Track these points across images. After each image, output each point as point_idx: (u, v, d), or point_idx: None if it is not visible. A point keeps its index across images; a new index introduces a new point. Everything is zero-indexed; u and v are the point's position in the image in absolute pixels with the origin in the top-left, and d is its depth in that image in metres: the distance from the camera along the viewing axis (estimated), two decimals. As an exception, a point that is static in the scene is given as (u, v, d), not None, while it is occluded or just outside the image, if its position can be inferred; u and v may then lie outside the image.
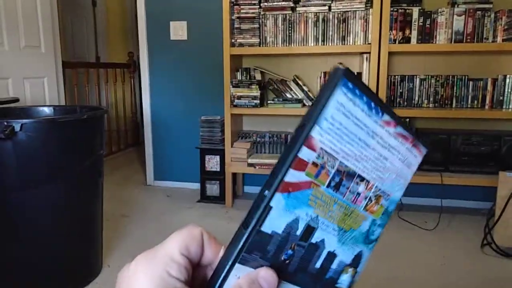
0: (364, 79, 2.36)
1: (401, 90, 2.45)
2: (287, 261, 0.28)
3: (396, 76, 2.46)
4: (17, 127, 1.36)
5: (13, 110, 1.82)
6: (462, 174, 2.29)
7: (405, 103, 2.45)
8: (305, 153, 0.27)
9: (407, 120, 2.33)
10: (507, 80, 2.32)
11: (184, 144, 2.99)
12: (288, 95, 2.59)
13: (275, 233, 0.27)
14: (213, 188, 2.75)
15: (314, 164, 0.27)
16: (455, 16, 2.25)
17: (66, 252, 1.58)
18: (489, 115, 2.30)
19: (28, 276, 1.52)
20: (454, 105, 2.42)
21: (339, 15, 2.34)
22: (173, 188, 3.05)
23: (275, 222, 0.27)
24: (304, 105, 2.54)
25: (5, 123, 1.34)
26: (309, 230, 0.28)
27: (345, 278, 0.31)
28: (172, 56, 2.93)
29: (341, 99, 0.27)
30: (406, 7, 2.31)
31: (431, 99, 2.43)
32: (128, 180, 3.30)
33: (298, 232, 0.28)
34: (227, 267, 0.26)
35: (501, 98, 2.35)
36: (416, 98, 2.44)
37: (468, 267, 1.84)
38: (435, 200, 2.59)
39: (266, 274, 0.27)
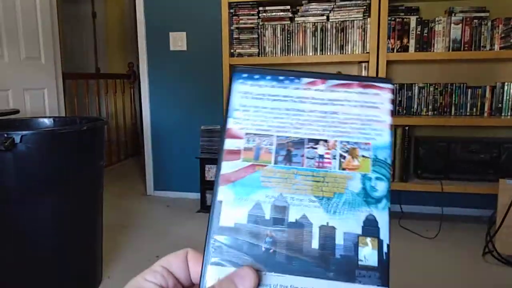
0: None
1: (400, 99, 2.46)
2: (271, 250, 0.26)
3: (395, 85, 2.47)
4: (17, 139, 1.36)
5: (13, 122, 1.83)
6: (462, 182, 2.29)
7: (404, 111, 2.46)
8: (230, 144, 0.29)
9: (406, 128, 2.33)
10: (505, 88, 2.33)
11: (184, 154, 2.99)
12: (288, 104, 2.60)
13: (240, 224, 0.27)
14: (213, 198, 2.74)
15: (247, 149, 0.28)
16: (452, 25, 2.27)
17: (66, 263, 1.57)
18: (488, 123, 2.31)
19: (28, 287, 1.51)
20: (453, 112, 2.42)
21: (337, 24, 2.36)
22: (173, 198, 3.04)
23: (233, 214, 0.27)
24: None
25: (5, 135, 1.34)
26: (280, 210, 0.27)
27: (368, 253, 0.26)
28: (171, 67, 2.94)
29: (242, 88, 0.30)
30: (403, 16, 2.33)
31: (430, 107, 2.43)
32: (128, 190, 3.29)
33: (268, 217, 0.27)
34: (202, 271, 0.26)
35: (499, 105, 2.36)
36: (415, 106, 2.45)
37: (469, 275, 1.83)
38: (435, 208, 2.59)
39: (241, 272, 0.26)
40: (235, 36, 2.51)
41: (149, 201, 3.01)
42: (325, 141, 0.28)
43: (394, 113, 2.46)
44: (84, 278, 1.67)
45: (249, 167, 0.28)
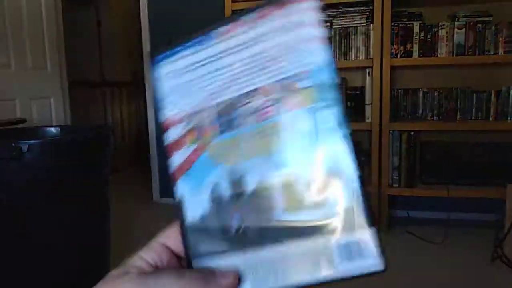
0: (368, 93, 2.37)
1: (404, 104, 2.46)
2: (241, 230, 0.24)
3: (399, 90, 2.47)
4: (24, 148, 1.37)
5: (20, 131, 1.85)
6: (468, 187, 2.27)
7: (409, 116, 2.46)
8: (171, 135, 0.26)
9: (411, 133, 2.33)
10: (511, 92, 2.32)
11: (189, 161, 3.00)
12: (292, 111, 2.60)
13: (206, 213, 0.26)
14: (218, 205, 2.74)
15: (188, 131, 0.26)
16: (455, 29, 2.27)
17: (74, 270, 1.58)
18: (494, 127, 2.30)
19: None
20: (458, 117, 2.41)
21: (341, 31, 2.37)
22: (179, 205, 3.04)
23: (196, 206, 0.26)
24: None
25: (13, 145, 1.36)
26: (237, 183, 0.24)
27: (338, 193, 0.23)
28: (176, 74, 2.96)
29: (168, 68, 0.26)
30: (407, 22, 2.34)
31: (435, 111, 2.43)
32: (134, 197, 3.30)
33: (228, 195, 0.25)
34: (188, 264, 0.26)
35: (505, 109, 2.34)
36: (420, 111, 2.45)
37: (478, 281, 1.81)
38: (442, 214, 2.57)
39: (223, 272, 0.25)
40: (239, 43, 2.52)
41: (155, 208, 3.02)
42: (261, 88, 0.25)
43: (397, 118, 2.45)
44: (92, 285, 1.68)
45: (196, 150, 0.26)
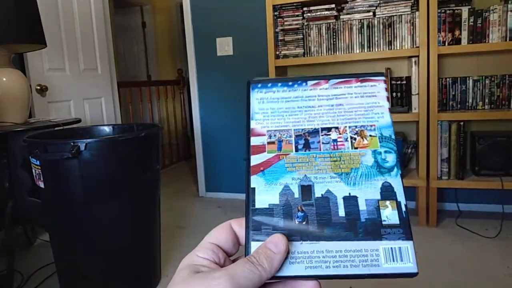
0: (414, 82, 2.31)
1: (453, 93, 2.37)
2: (304, 222, 0.30)
3: (448, 79, 2.38)
4: (82, 147, 1.47)
5: (77, 130, 1.96)
6: (525, 178, 2.16)
7: (459, 105, 2.36)
8: (256, 141, 0.34)
9: (461, 123, 2.24)
10: None
11: (233, 156, 3.05)
12: (335, 103, 2.58)
13: (273, 205, 0.31)
14: (263, 198, 2.78)
15: (271, 143, 0.33)
16: (509, 13, 2.15)
17: (128, 262, 1.67)
18: (553, 115, 2.16)
19: (96, 282, 1.62)
20: (511, 105, 2.29)
21: (385, 20, 2.32)
22: (224, 199, 3.12)
23: (266, 197, 0.31)
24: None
25: (72, 143, 1.46)
26: (306, 188, 0.31)
27: (389, 213, 0.30)
28: (219, 71, 3.02)
29: (259, 95, 0.35)
30: (454, 8, 2.24)
31: (486, 100, 2.32)
32: (182, 192, 3.41)
33: (297, 195, 0.31)
34: (246, 246, 0.30)
35: None
36: (470, 100, 2.34)
37: (536, 277, 1.73)
38: (496, 206, 2.46)
39: (273, 238, 0.29)
40: (280, 38, 2.53)
41: (202, 202, 3.10)
42: (336, 128, 0.33)
43: (447, 108, 2.37)
44: (144, 276, 1.77)
45: (274, 157, 0.33)
